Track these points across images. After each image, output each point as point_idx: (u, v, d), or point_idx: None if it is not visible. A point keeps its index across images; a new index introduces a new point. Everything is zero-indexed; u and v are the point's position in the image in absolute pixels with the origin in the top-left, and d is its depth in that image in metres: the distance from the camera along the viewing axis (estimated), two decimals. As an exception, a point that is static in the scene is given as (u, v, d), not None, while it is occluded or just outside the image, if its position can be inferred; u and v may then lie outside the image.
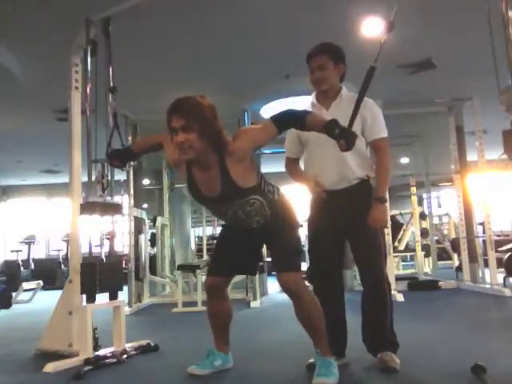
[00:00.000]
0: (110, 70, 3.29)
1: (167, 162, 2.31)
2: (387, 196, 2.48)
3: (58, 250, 10.04)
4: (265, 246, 2.67)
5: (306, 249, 2.96)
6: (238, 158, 2.15)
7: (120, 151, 2.67)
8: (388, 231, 5.45)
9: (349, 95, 2.50)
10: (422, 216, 8.12)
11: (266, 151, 6.39)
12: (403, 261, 9.47)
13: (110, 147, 3.00)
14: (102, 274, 2.95)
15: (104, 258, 3.52)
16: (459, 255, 6.36)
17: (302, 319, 2.32)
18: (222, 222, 2.60)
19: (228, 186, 2.17)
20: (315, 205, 2.53)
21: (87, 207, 3.08)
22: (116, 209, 3.23)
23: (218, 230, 8.30)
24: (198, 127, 2.08)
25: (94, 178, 3.21)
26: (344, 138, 2.03)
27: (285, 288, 2.30)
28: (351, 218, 2.42)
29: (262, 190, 2.26)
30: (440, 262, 7.96)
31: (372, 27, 4.25)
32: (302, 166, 2.68)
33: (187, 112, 2.09)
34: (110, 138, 3.13)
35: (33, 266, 10.43)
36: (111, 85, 3.27)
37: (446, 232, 9.85)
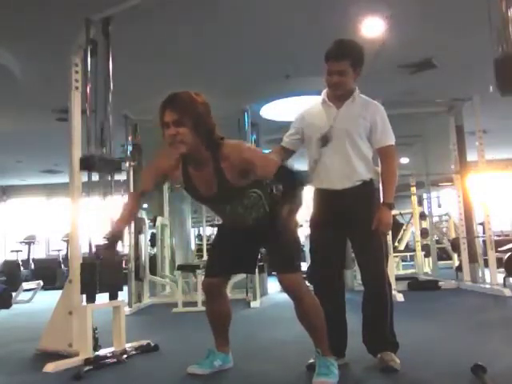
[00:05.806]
0: (110, 69, 3.30)
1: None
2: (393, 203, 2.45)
3: (58, 250, 10.04)
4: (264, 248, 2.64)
5: (306, 249, 2.95)
6: (231, 164, 2.15)
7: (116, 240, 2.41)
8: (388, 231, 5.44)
9: (362, 98, 2.50)
10: (422, 216, 8.12)
11: (266, 151, 6.37)
12: (403, 261, 9.45)
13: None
14: (101, 274, 2.95)
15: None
16: (459, 255, 6.36)
17: (303, 319, 2.32)
18: (221, 222, 2.59)
19: (223, 185, 2.18)
20: (317, 204, 2.53)
21: (87, 161, 3.03)
22: (116, 165, 3.17)
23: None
24: (190, 122, 2.08)
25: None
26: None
27: (286, 288, 2.31)
28: (353, 217, 2.42)
29: (260, 182, 2.26)
30: (440, 262, 7.95)
31: (372, 27, 4.25)
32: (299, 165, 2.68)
33: (180, 107, 2.09)
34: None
35: (33, 266, 10.41)
36: (111, 85, 3.27)
37: (444, 230, 9.82)
